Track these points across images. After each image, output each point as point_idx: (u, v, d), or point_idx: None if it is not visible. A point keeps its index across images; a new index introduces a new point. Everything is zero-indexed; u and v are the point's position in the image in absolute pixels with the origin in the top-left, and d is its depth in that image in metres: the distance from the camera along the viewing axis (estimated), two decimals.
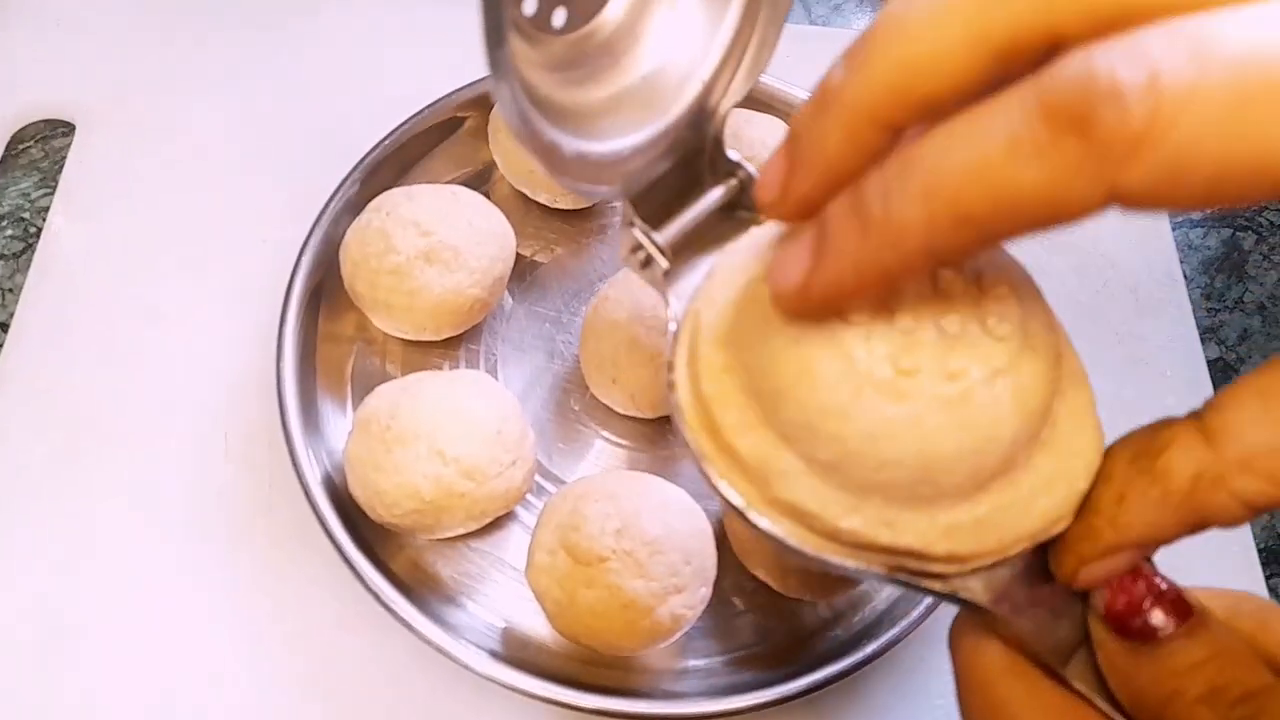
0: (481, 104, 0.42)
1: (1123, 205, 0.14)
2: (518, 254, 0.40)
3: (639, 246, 0.24)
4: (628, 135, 0.23)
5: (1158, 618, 0.18)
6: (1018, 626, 0.19)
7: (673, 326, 0.22)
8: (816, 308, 0.18)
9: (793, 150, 0.18)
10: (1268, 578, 0.40)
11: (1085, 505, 0.19)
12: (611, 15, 0.24)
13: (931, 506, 0.18)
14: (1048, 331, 0.18)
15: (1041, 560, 0.19)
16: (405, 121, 0.41)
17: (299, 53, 0.47)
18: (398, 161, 0.41)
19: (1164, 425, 0.18)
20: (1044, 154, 0.14)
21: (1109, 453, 0.19)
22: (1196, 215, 0.48)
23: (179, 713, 0.34)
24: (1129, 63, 0.13)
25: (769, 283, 0.18)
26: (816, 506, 0.18)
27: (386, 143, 0.40)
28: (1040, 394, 0.17)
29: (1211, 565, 0.39)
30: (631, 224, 0.23)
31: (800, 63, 0.31)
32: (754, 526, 0.19)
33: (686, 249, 0.24)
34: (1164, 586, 0.18)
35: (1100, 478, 0.18)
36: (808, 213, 0.18)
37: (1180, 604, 0.18)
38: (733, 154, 0.24)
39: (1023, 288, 0.18)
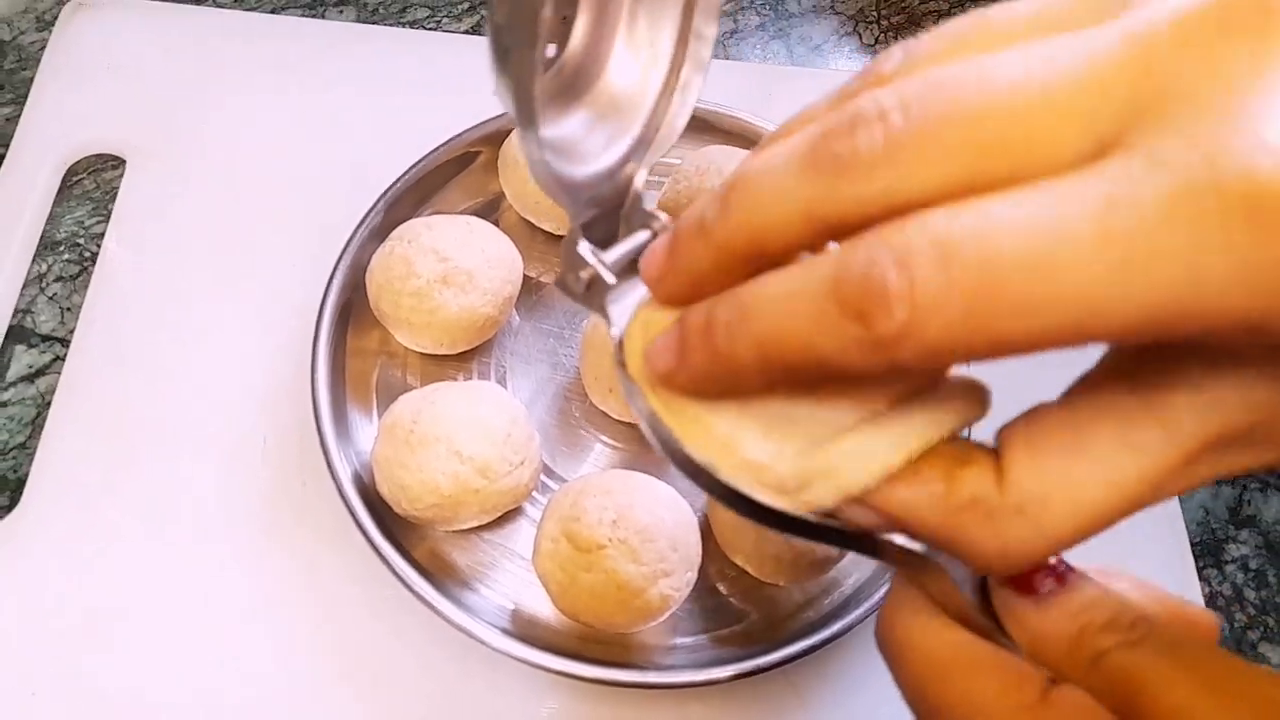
0: (492, 140, 0.45)
1: (896, 368, 0.17)
2: (525, 276, 0.43)
3: (584, 265, 0.25)
4: (603, 156, 0.25)
5: (1055, 570, 0.20)
6: (950, 574, 0.20)
7: (616, 332, 0.24)
8: (686, 393, 0.21)
9: (673, 254, 0.21)
10: (1199, 569, 0.43)
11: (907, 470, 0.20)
12: (574, 46, 0.26)
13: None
14: None
15: None
16: (423, 157, 0.44)
17: (325, 95, 0.50)
18: (416, 193, 0.45)
19: (981, 446, 0.20)
20: (836, 331, 0.17)
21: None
22: None
23: (223, 689, 0.37)
24: (897, 272, 0.16)
25: (646, 361, 0.21)
26: (766, 459, 0.20)
27: (406, 176, 0.44)
28: None
29: (1145, 556, 0.43)
30: (576, 244, 0.25)
31: (783, 101, 0.35)
32: (721, 485, 0.21)
33: (628, 272, 0.25)
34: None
35: (932, 453, 0.20)
36: (677, 303, 0.21)
37: (1065, 564, 0.20)
38: (650, 207, 0.27)
39: None
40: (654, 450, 0.22)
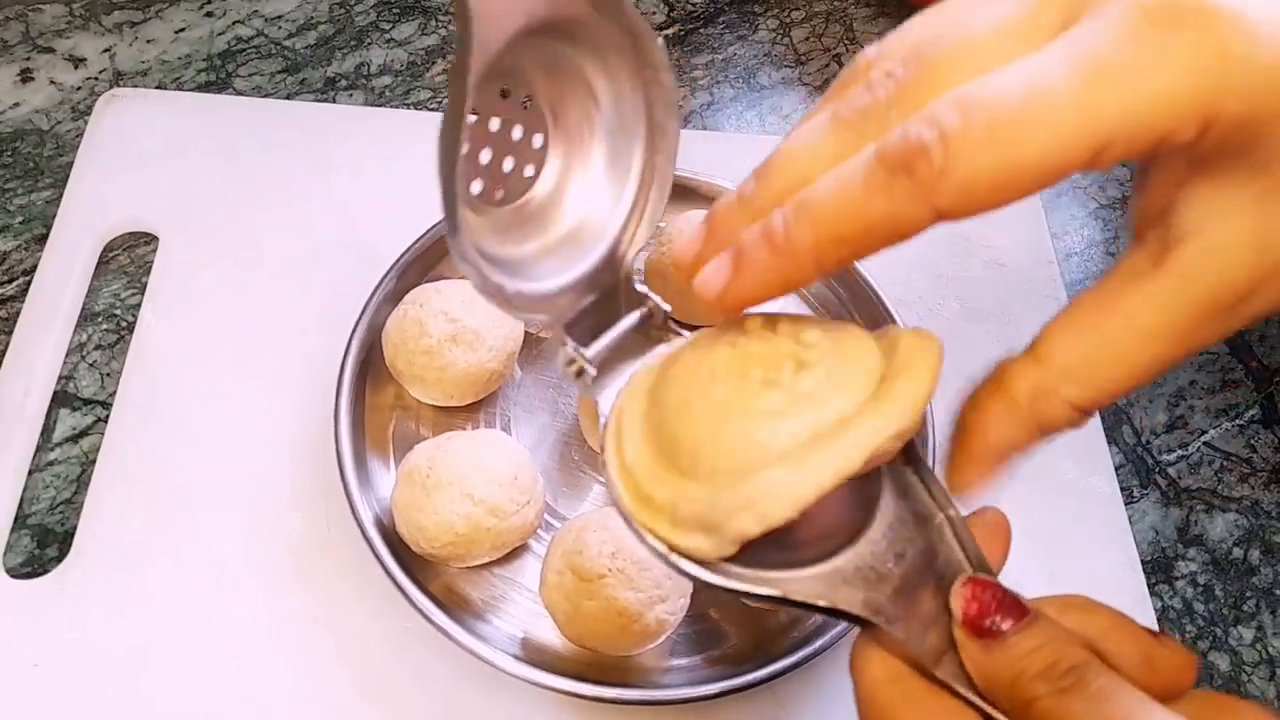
0: None
1: (944, 217, 0.21)
2: (525, 333, 0.46)
3: (572, 361, 0.28)
4: (555, 278, 0.28)
5: (1000, 617, 0.22)
6: (893, 635, 0.22)
7: (602, 421, 0.27)
8: (731, 307, 0.24)
9: (713, 230, 0.24)
10: (1151, 585, 0.47)
11: (958, 426, 0.24)
12: (540, 191, 0.29)
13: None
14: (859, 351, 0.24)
15: (911, 582, 0.23)
16: (430, 228, 0.48)
17: (338, 172, 0.53)
18: (424, 261, 0.48)
19: (1008, 360, 0.23)
20: (886, 189, 0.21)
21: (978, 390, 0.24)
22: (1092, 284, 0.57)
23: (258, 711, 0.40)
24: (929, 128, 0.20)
25: (697, 288, 0.24)
26: (700, 507, 0.22)
27: (415, 246, 0.47)
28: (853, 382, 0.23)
29: (1099, 574, 0.46)
30: (564, 344, 0.27)
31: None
32: (674, 567, 0.23)
33: (611, 361, 0.28)
34: (1005, 595, 0.22)
35: (967, 406, 0.24)
36: (718, 280, 0.24)
37: (1018, 606, 0.22)
38: (641, 287, 0.29)
39: (834, 327, 0.25)
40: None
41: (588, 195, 0.29)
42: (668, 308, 0.29)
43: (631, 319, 0.29)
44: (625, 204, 0.29)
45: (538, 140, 0.28)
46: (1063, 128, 0.20)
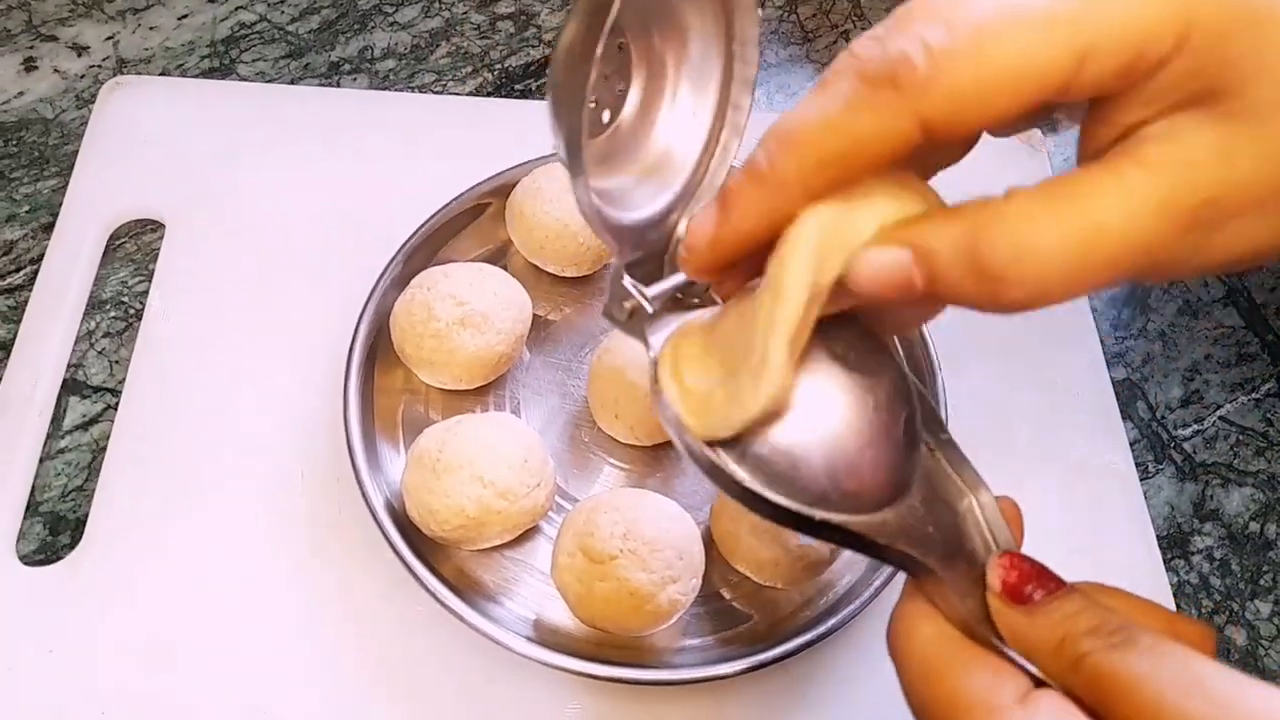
0: (499, 193, 0.49)
1: (932, 131, 0.20)
2: (534, 315, 0.46)
3: (628, 297, 0.28)
4: (645, 208, 0.29)
5: (1038, 589, 0.22)
6: (945, 584, 0.23)
7: (652, 354, 0.27)
8: (724, 255, 0.24)
9: (726, 207, 0.24)
10: (1167, 561, 0.47)
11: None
12: (627, 117, 0.30)
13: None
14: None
15: (950, 549, 0.24)
16: (437, 211, 0.48)
17: (344, 156, 0.53)
18: (431, 244, 0.48)
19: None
20: (870, 104, 0.20)
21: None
22: None
23: (269, 703, 0.40)
24: (908, 41, 0.20)
25: (684, 248, 0.24)
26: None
27: (422, 229, 0.47)
28: None
29: (1115, 550, 0.46)
30: (621, 279, 0.28)
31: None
32: (729, 484, 0.24)
33: (661, 309, 0.29)
34: (1041, 567, 0.23)
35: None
36: (728, 254, 0.24)
37: (1055, 577, 0.22)
38: None
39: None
40: (683, 460, 0.25)
41: (671, 125, 0.30)
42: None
43: (678, 277, 0.29)
44: (702, 135, 0.30)
45: (627, 74, 0.29)
46: (1045, 32, 0.20)
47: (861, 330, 0.26)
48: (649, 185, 0.29)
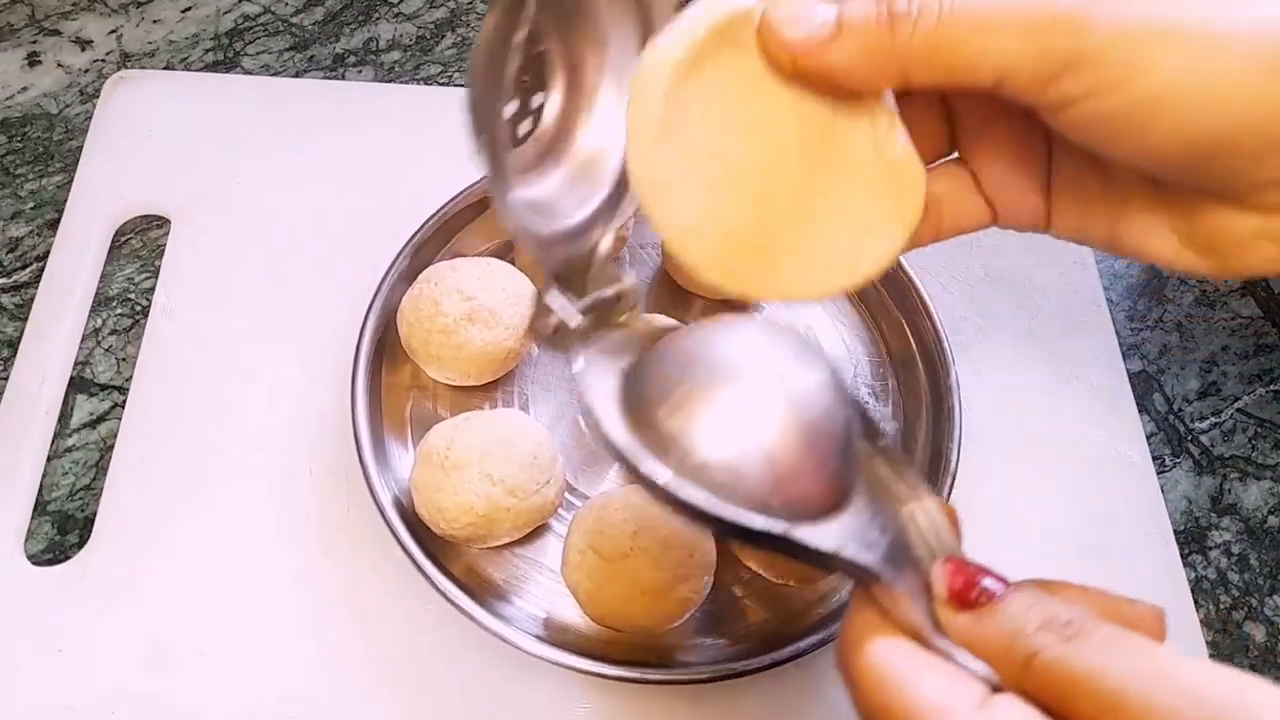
0: None
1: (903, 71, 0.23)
2: None
3: (551, 312, 0.27)
4: (576, 213, 0.28)
5: (990, 583, 0.22)
6: (895, 593, 0.22)
7: (576, 369, 0.27)
8: (817, 73, 0.24)
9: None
10: (1184, 556, 0.46)
11: None
12: (548, 122, 0.29)
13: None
14: None
15: (894, 556, 0.23)
16: (444, 204, 0.47)
17: (350, 150, 0.53)
18: (439, 238, 0.48)
19: None
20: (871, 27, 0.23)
21: None
22: None
23: (277, 702, 0.40)
24: None
25: (776, 30, 0.23)
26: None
27: (430, 223, 0.47)
28: None
29: (1131, 545, 0.45)
30: (547, 292, 0.27)
31: None
32: (674, 500, 0.23)
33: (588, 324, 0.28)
34: (985, 570, 0.22)
35: None
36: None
37: (1000, 576, 0.22)
38: (615, 269, 0.29)
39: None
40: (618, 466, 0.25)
41: (593, 131, 0.29)
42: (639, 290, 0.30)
43: (606, 292, 0.28)
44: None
45: (546, 83, 0.29)
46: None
47: (797, 339, 0.26)
48: (573, 194, 0.29)
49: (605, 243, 0.29)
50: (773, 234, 0.25)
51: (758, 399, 0.24)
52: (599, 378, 0.26)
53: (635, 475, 0.24)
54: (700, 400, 0.24)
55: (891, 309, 0.49)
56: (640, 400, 0.25)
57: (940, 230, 0.30)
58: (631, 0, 0.27)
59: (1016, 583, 0.22)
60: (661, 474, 0.23)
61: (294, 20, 0.59)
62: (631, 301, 0.29)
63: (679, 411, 0.24)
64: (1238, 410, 0.51)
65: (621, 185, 0.29)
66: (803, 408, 0.24)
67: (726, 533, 0.23)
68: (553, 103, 0.29)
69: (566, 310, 0.27)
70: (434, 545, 0.41)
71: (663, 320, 0.28)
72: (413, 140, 0.53)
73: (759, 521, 0.23)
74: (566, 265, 0.28)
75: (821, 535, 0.23)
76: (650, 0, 0.27)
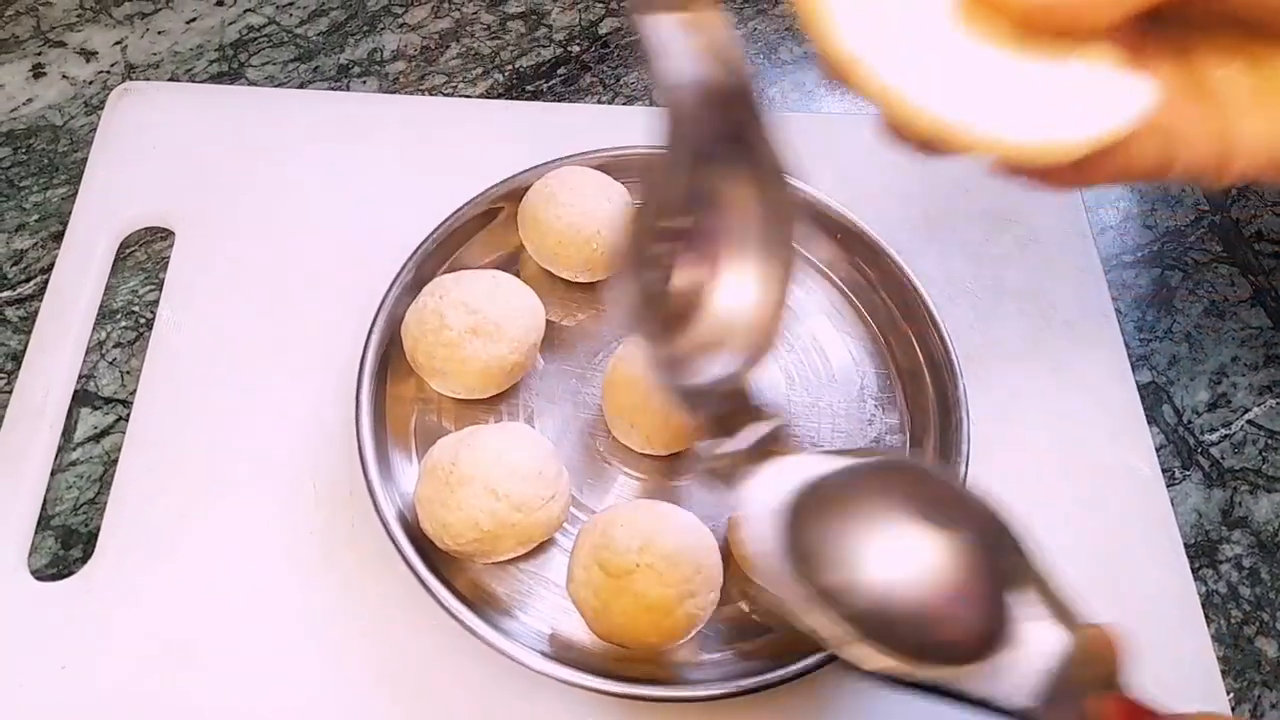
0: (511, 197, 0.48)
1: None
2: (547, 321, 0.46)
3: (715, 458, 0.30)
4: (711, 373, 0.31)
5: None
6: None
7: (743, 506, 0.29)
8: (1052, 21, 0.23)
9: None
10: (1195, 570, 0.46)
11: None
12: (680, 284, 0.32)
13: None
14: None
15: (1050, 696, 0.24)
16: (448, 216, 0.47)
17: (354, 161, 0.53)
18: (443, 250, 0.47)
19: None
20: None
21: None
22: (1129, 257, 0.55)
23: (284, 710, 0.39)
24: None
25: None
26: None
27: (434, 235, 0.47)
28: None
29: (1140, 560, 0.45)
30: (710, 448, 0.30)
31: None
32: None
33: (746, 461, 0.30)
34: (1144, 708, 0.23)
35: None
36: None
37: (1163, 715, 0.23)
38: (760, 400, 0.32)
39: None
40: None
41: (720, 291, 0.32)
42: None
43: (762, 428, 0.31)
44: (752, 295, 0.32)
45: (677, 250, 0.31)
46: None
47: (947, 482, 0.28)
48: (711, 353, 0.31)
49: (751, 385, 0.32)
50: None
51: (914, 548, 0.25)
52: (762, 521, 0.27)
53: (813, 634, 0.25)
54: (860, 553, 0.25)
55: (898, 320, 0.48)
56: (801, 549, 0.26)
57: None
58: (746, 173, 0.30)
59: (1177, 715, 0.22)
60: (876, 659, 0.24)
61: (298, 31, 0.59)
62: (783, 435, 0.31)
63: (840, 566, 0.25)
64: (1248, 422, 0.50)
65: (757, 336, 0.32)
66: (959, 553, 0.25)
67: (885, 681, 0.25)
68: (684, 270, 0.31)
69: (731, 448, 0.30)
70: (438, 560, 0.40)
71: (811, 453, 0.31)
72: (417, 151, 0.53)
73: (926, 675, 0.24)
74: (721, 408, 0.31)
75: (978, 679, 0.24)
76: (763, 170, 0.30)
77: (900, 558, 0.25)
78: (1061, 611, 0.25)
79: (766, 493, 0.28)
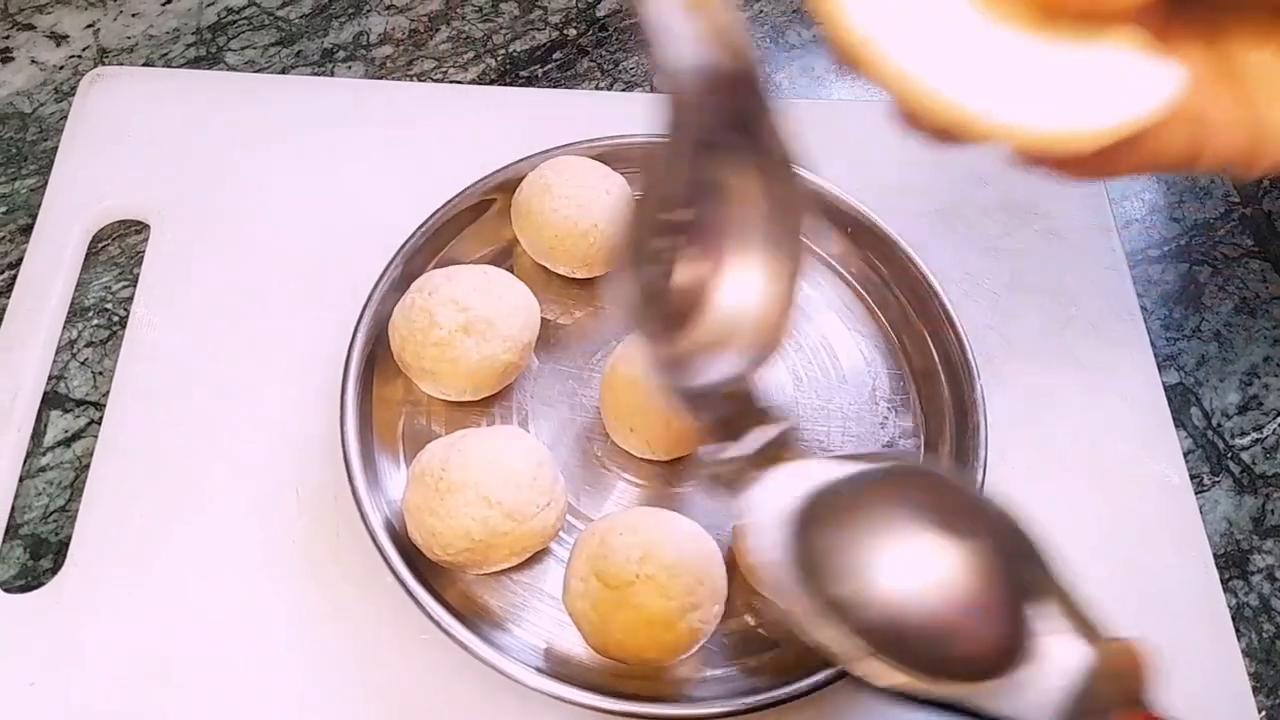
0: (505, 188, 0.47)
1: None
2: (542, 319, 0.44)
3: (719, 464, 0.30)
4: (715, 373, 0.31)
5: None
6: None
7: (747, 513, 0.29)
8: (1075, 2, 0.22)
9: None
10: (1225, 581, 0.44)
11: None
12: (682, 281, 0.31)
13: None
14: None
15: (1073, 712, 0.24)
16: (438, 208, 0.46)
17: (339, 150, 0.52)
18: (433, 244, 0.46)
19: None
20: None
21: None
22: (1155, 252, 0.53)
23: None
24: None
25: None
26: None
27: (423, 228, 0.45)
28: None
29: (1169, 571, 0.43)
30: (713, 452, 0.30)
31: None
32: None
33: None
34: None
35: None
36: None
37: None
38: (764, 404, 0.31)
39: None
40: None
41: (725, 289, 0.31)
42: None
43: (770, 432, 0.30)
44: (758, 294, 0.31)
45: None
46: None
47: (963, 488, 0.28)
48: (714, 352, 0.31)
49: (753, 384, 0.31)
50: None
51: (929, 558, 0.25)
52: (768, 530, 0.27)
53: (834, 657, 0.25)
54: (872, 564, 0.25)
55: (912, 318, 0.47)
56: (810, 559, 0.26)
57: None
58: (751, 163, 0.29)
59: None
60: (888, 675, 0.24)
61: (280, 13, 0.58)
62: (791, 439, 0.31)
63: (851, 578, 0.25)
64: None
65: (761, 336, 0.31)
66: (976, 563, 0.25)
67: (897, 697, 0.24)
68: (686, 265, 0.30)
69: (736, 452, 0.29)
70: (427, 571, 0.39)
71: (820, 459, 0.32)
72: (405, 140, 0.52)
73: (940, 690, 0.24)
74: (725, 411, 0.30)
75: (996, 696, 0.24)
76: (770, 161, 0.29)
77: (914, 568, 0.25)
78: (1084, 625, 0.25)
79: (773, 500, 0.27)
